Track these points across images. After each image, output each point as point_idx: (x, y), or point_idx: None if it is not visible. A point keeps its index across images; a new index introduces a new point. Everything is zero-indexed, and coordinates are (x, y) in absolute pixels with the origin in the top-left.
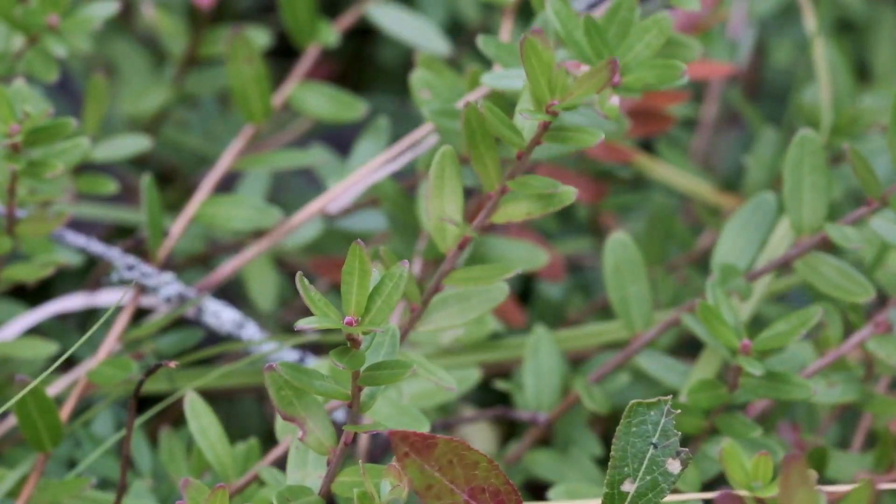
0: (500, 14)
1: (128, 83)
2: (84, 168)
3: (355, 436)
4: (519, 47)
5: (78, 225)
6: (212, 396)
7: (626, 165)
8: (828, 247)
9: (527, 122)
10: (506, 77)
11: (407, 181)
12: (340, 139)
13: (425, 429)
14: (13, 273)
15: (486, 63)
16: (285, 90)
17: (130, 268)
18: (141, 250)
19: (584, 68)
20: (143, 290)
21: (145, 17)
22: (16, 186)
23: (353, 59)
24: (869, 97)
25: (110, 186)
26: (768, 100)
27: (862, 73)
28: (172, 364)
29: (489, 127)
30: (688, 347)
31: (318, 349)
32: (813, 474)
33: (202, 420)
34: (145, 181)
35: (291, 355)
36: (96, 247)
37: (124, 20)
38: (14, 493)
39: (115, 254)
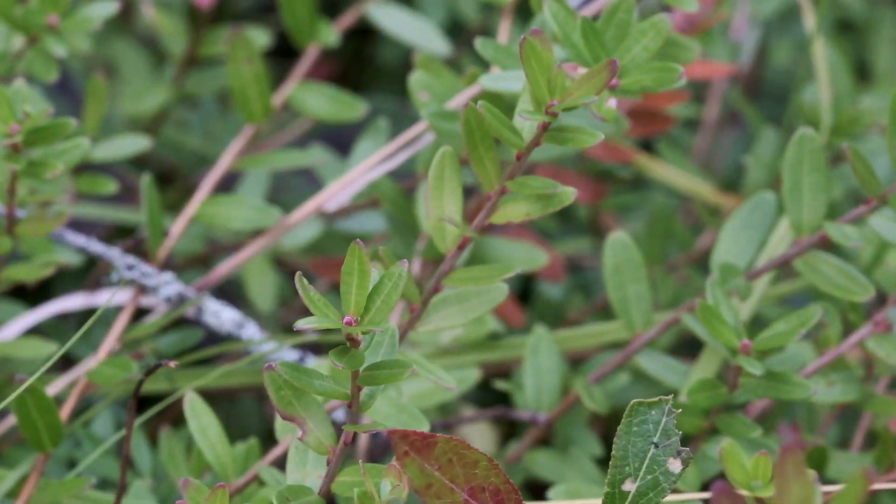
0: (500, 14)
1: (128, 83)
2: (84, 168)
3: (355, 435)
4: (518, 48)
5: (78, 225)
6: (212, 396)
7: (626, 165)
8: (827, 246)
9: (526, 122)
10: (504, 79)
11: (406, 182)
12: (340, 139)
13: (425, 428)
14: (13, 273)
15: (486, 64)
16: (285, 90)
17: (130, 268)
18: (141, 250)
19: (582, 71)
20: (142, 289)
21: (145, 17)
22: (16, 186)
23: (353, 59)
24: (869, 97)
25: (110, 186)
26: (768, 100)
27: (862, 73)
28: (172, 364)
29: (489, 127)
30: (688, 347)
31: (317, 349)
32: (812, 473)
33: (202, 420)
34: (145, 181)
35: (291, 355)
36: (96, 247)
37: (124, 20)
38: (14, 493)
39: (115, 254)
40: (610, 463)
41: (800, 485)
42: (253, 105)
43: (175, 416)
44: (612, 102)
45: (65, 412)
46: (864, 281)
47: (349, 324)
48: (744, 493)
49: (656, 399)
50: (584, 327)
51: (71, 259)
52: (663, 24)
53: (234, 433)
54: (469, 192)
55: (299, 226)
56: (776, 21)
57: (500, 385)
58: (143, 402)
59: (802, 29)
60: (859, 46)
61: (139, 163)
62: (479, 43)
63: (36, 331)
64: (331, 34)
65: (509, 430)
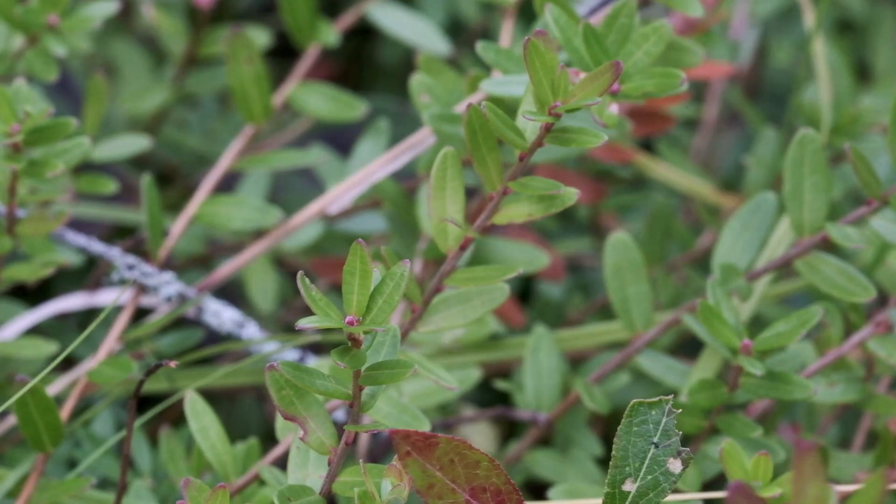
0: (501, 14)
1: (128, 83)
2: (84, 168)
3: (356, 435)
4: (522, 49)
5: (78, 225)
6: (212, 396)
7: (626, 165)
8: (828, 246)
9: (529, 123)
10: (505, 83)
11: (408, 183)
12: (340, 139)
13: (426, 428)
14: (13, 273)
15: (487, 64)
16: (285, 90)
17: (131, 267)
18: (141, 250)
19: (583, 76)
20: (143, 289)
21: (145, 17)
22: (16, 186)
23: (353, 59)
24: (869, 97)
25: (110, 186)
26: (768, 100)
27: (862, 73)
28: (173, 364)
29: (492, 128)
30: (688, 347)
31: (318, 349)
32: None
33: (202, 420)
34: (145, 181)
35: (292, 355)
36: (96, 247)
37: (124, 20)
38: (14, 493)
39: (115, 254)
40: (610, 463)
41: (816, 485)
42: (253, 105)
43: (175, 416)
44: (613, 108)
45: (65, 412)
46: (865, 282)
47: (351, 323)
48: (746, 487)
49: (656, 399)
50: (584, 327)
51: (71, 259)
52: (665, 29)
53: (235, 433)
54: (471, 192)
55: (300, 227)
56: (776, 21)
57: (501, 385)
58: (143, 402)
59: (802, 29)
60: (859, 46)
61: (139, 163)
62: (481, 46)
63: (36, 331)
64: (331, 34)
65: (509, 430)
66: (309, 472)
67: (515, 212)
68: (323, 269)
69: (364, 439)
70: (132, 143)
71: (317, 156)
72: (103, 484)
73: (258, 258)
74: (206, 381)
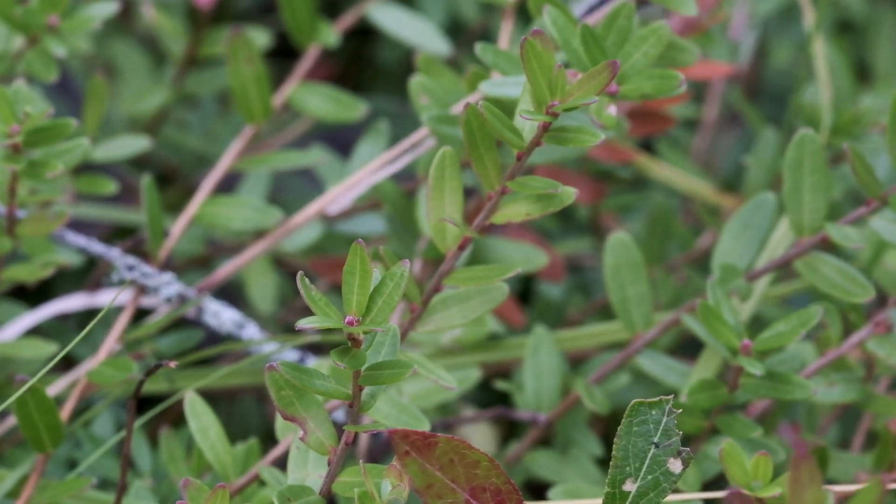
0: (500, 14)
1: (128, 83)
2: (84, 168)
3: (356, 435)
4: (519, 49)
5: (78, 225)
6: (212, 396)
7: (626, 165)
8: (828, 247)
9: (527, 123)
10: (504, 84)
11: (407, 183)
12: (340, 140)
13: (425, 428)
14: (13, 273)
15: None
16: (285, 90)
17: (131, 268)
18: (141, 251)
19: (581, 76)
20: (143, 290)
21: (145, 18)
22: (16, 187)
23: (353, 59)
24: (869, 97)
25: (110, 186)
26: (768, 100)
27: (862, 73)
28: (172, 364)
29: (489, 128)
30: (688, 347)
31: (318, 349)
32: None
33: (202, 420)
34: (145, 181)
35: (292, 355)
36: (96, 247)
37: (124, 20)
38: (14, 493)
39: (115, 254)
40: (610, 463)
41: (813, 491)
42: (253, 105)
43: (175, 417)
44: (611, 109)
45: (65, 412)
46: (865, 282)
47: (351, 324)
48: (744, 493)
49: (657, 399)
50: (584, 327)
51: (71, 259)
52: (663, 30)
53: (235, 433)
54: (469, 192)
55: (300, 227)
56: (776, 21)
57: (500, 385)
58: (143, 402)
59: (802, 29)
60: (859, 46)
61: (139, 163)
62: (480, 48)
63: (36, 331)
64: (331, 34)
65: (509, 430)
66: (309, 472)
67: (514, 211)
68: (323, 270)
69: (364, 439)
70: (132, 144)
71: (317, 156)
72: (103, 484)
73: (258, 258)
74: (206, 381)
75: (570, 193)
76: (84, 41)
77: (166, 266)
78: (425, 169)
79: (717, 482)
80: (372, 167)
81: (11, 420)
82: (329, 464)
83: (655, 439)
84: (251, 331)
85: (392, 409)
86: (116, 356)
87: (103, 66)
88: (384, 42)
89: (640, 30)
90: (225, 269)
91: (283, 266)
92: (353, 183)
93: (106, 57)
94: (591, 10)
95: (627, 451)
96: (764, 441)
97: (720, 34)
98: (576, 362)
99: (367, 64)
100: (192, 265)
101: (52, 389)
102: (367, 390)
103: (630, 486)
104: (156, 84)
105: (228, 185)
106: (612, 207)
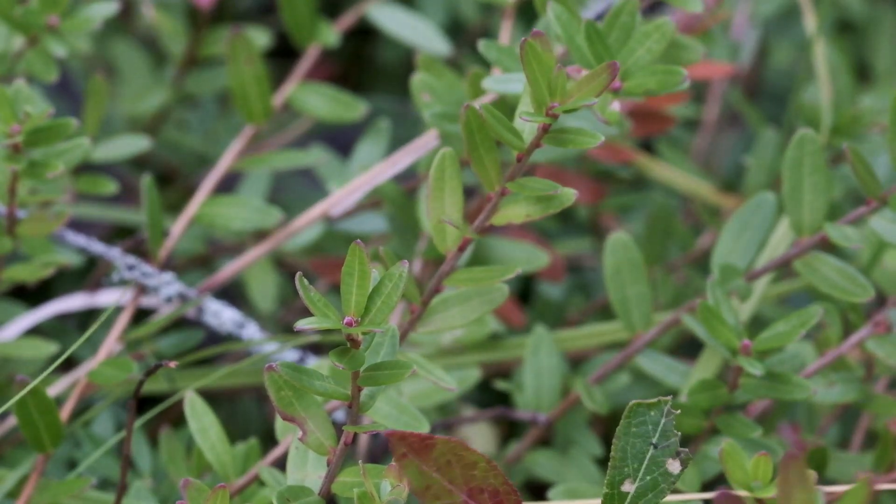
0: (500, 15)
1: (128, 83)
2: (84, 168)
3: (355, 436)
4: (519, 50)
5: (78, 225)
6: (212, 396)
7: (626, 166)
8: (828, 247)
9: (527, 124)
10: (506, 81)
11: (408, 183)
12: (340, 139)
13: (425, 429)
14: (13, 273)
15: (487, 64)
16: (285, 90)
17: (131, 268)
18: (141, 250)
19: (581, 76)
20: (143, 290)
21: (145, 18)
22: (16, 187)
23: (353, 59)
24: (869, 97)
25: (110, 186)
26: (768, 100)
27: (862, 73)
28: (173, 364)
29: (489, 129)
30: (688, 348)
31: (318, 349)
32: (812, 474)
33: (202, 420)
34: (145, 181)
35: (292, 355)
36: (96, 247)
37: (124, 20)
38: (14, 493)
39: (115, 254)
40: (609, 464)
41: (803, 491)
42: (253, 105)
43: (175, 417)
44: (615, 105)
45: (65, 413)
46: (864, 282)
47: (349, 324)
48: (743, 493)
49: (655, 400)
50: (584, 327)
51: (71, 259)
52: (667, 26)
53: (235, 433)
54: (470, 193)
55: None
56: (776, 21)
57: (500, 385)
58: (143, 402)
59: (802, 29)
60: (859, 46)
61: (139, 163)
62: (483, 45)
63: (36, 331)
64: (331, 34)
65: (509, 430)
66: (308, 472)
67: (514, 212)
68: (323, 270)
69: (363, 440)
70: (132, 144)
71: (317, 156)
72: (103, 484)
73: (259, 259)
74: (206, 381)
75: (569, 195)
76: (84, 41)
77: (166, 266)
78: (426, 168)
79: (717, 482)
80: (376, 170)
81: (11, 420)
82: (328, 464)
83: (654, 440)
84: (251, 331)
85: (392, 410)
86: (116, 356)
87: (103, 66)
88: (384, 42)
89: (643, 26)
90: (226, 271)
91: (284, 266)
92: (356, 185)
93: (106, 57)
94: (599, 16)
95: (626, 452)
96: (764, 441)
97: (721, 34)
98: (576, 362)
99: (367, 64)
100: (192, 265)
101: (52, 389)
102: (366, 391)
103: (629, 487)
104: (156, 84)
105: (228, 185)
106: (612, 207)
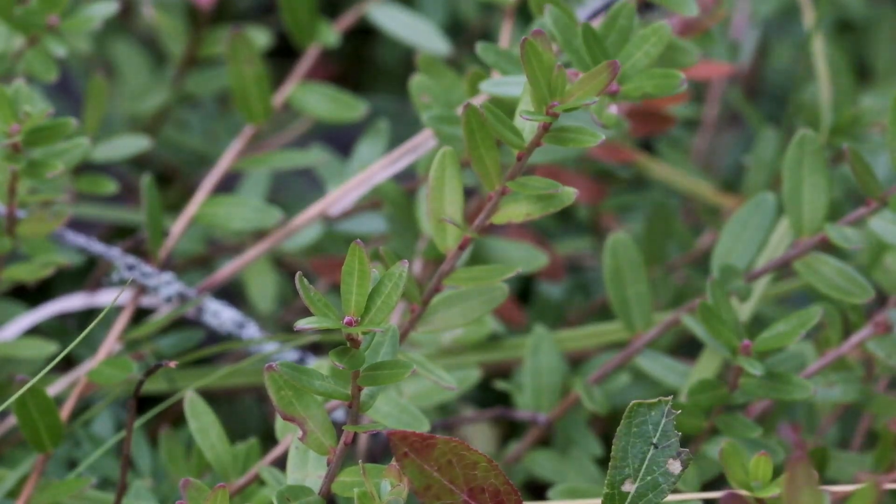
0: (501, 14)
1: (128, 83)
2: (84, 168)
3: (355, 435)
4: (519, 49)
5: (78, 225)
6: (212, 396)
7: (626, 165)
8: (827, 247)
9: (527, 123)
10: (504, 84)
11: (407, 183)
12: (340, 139)
13: (425, 428)
14: (13, 273)
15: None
16: (285, 90)
17: (131, 268)
18: (141, 250)
19: (582, 76)
20: (143, 290)
21: (145, 18)
22: (16, 186)
23: (353, 59)
24: (869, 97)
25: (110, 186)
26: (768, 100)
27: (862, 73)
28: (172, 364)
29: (490, 128)
30: (688, 348)
31: (318, 349)
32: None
33: (202, 420)
34: (145, 181)
35: (292, 355)
36: (96, 247)
37: (124, 20)
38: (14, 493)
39: (115, 254)
40: (609, 464)
41: (810, 492)
42: (253, 105)
43: (175, 417)
44: (612, 108)
45: (65, 412)
46: (864, 282)
47: (349, 324)
48: (743, 493)
49: (655, 400)
50: (584, 327)
51: (71, 259)
52: (664, 30)
53: (235, 433)
54: (470, 192)
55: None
56: (776, 21)
57: (500, 385)
58: (143, 402)
59: (802, 28)
60: (859, 46)
61: (139, 163)
62: (481, 48)
63: (36, 331)
64: (331, 34)
65: (509, 430)
66: (308, 472)
67: (514, 211)
68: (323, 270)
69: (363, 439)
70: (132, 144)
71: (317, 156)
72: (103, 484)
73: (258, 258)
74: (206, 381)
75: (570, 194)
76: (84, 41)
77: (166, 266)
78: (426, 168)
79: (717, 482)
80: (373, 169)
81: (11, 420)
82: (328, 464)
83: (654, 440)
84: (251, 330)
85: (392, 409)
86: (116, 356)
87: (103, 66)
88: (384, 42)
89: (641, 29)
90: (225, 270)
91: (284, 266)
92: (354, 184)
93: (106, 57)
94: (594, 15)
95: (626, 452)
96: (764, 441)
97: (720, 34)
98: (576, 362)
99: (367, 64)
100: (192, 265)
101: (52, 389)
102: (366, 390)
103: (629, 487)
104: (156, 84)
105: (228, 185)
106: (612, 207)
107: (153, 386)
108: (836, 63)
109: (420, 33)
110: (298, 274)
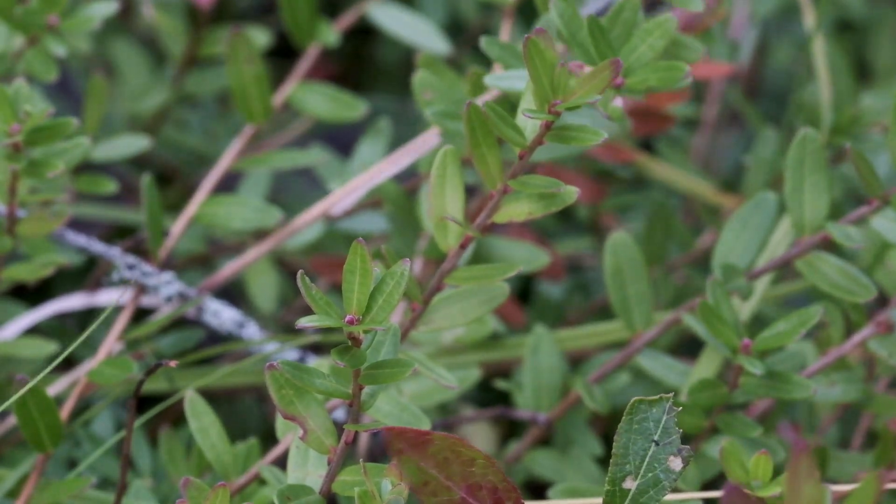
0: (500, 14)
1: (128, 83)
2: (84, 168)
3: (356, 435)
4: (522, 47)
5: (78, 225)
6: (212, 396)
7: (626, 165)
8: (829, 246)
9: (529, 121)
10: (508, 78)
11: (409, 182)
12: (340, 139)
13: (426, 427)
14: (13, 273)
15: (487, 63)
16: (285, 90)
17: (131, 267)
18: (141, 250)
19: (588, 69)
20: (143, 289)
21: (145, 17)
22: (16, 186)
23: (353, 59)
24: (869, 97)
25: (110, 186)
26: (768, 100)
27: (862, 73)
28: (173, 364)
29: (492, 126)
30: (688, 347)
31: (319, 349)
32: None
33: (202, 419)
34: (145, 181)
35: (292, 355)
36: (96, 247)
37: (124, 20)
38: (14, 493)
39: (115, 253)
40: (610, 460)
41: (811, 487)
42: (253, 105)
43: (175, 416)
44: (618, 101)
45: (65, 412)
46: (866, 281)
47: (351, 322)
48: (741, 489)
49: (657, 397)
50: (584, 327)
51: (71, 259)
52: (669, 23)
53: (235, 433)
54: (471, 191)
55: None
56: (776, 20)
57: (501, 385)
58: (143, 402)
59: (802, 28)
60: (859, 46)
61: (139, 163)
62: (485, 41)
63: (36, 331)
64: (331, 34)
65: (509, 429)
66: (309, 471)
67: (515, 210)
68: (323, 269)
69: (364, 438)
70: (132, 143)
71: (317, 156)
72: (103, 484)
73: (258, 258)
74: (206, 381)
75: (571, 193)
76: (84, 41)
77: (166, 265)
78: (427, 167)
79: (717, 481)
80: (376, 168)
81: (11, 420)
82: (329, 463)
83: (655, 437)
84: (251, 330)
85: (392, 409)
86: (116, 356)
87: (103, 66)
88: (384, 42)
89: (645, 23)
90: (226, 270)
91: (284, 265)
92: (356, 185)
93: (106, 57)
94: (599, 13)
95: (627, 449)
96: (764, 440)
97: (720, 33)
98: (576, 362)
99: (367, 64)
100: (192, 264)
101: (52, 389)
102: (367, 389)
103: (630, 484)
104: (156, 84)
105: (228, 184)
106: (612, 207)
107: (153, 386)
108: (836, 63)
109: (420, 33)
110: (300, 273)
